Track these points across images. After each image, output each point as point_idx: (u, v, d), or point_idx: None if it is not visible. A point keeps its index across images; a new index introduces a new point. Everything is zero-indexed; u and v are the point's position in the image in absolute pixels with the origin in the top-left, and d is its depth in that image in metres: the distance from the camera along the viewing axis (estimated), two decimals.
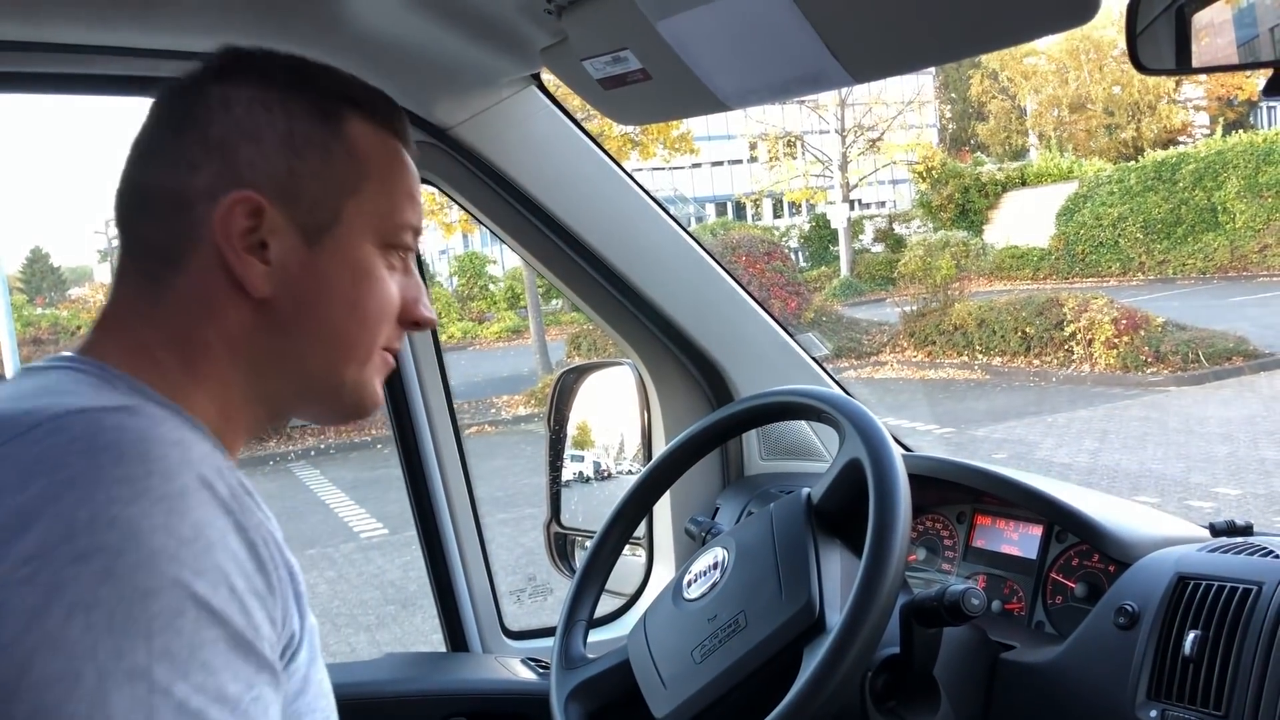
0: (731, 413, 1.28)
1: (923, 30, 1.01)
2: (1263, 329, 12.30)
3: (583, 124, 1.60)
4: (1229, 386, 10.79)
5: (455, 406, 1.70)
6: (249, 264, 0.79)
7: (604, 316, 1.70)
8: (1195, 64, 0.84)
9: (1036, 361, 13.08)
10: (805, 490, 1.16)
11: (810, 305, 15.64)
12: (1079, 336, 12.58)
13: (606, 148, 1.64)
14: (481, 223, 1.61)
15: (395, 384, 1.64)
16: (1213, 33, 0.83)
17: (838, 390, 1.39)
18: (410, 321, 0.89)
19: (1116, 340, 12.10)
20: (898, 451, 1.06)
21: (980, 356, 13.79)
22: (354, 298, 0.83)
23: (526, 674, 1.58)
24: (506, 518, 8.13)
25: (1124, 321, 12.18)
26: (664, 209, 1.64)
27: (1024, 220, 23.17)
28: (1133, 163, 22.74)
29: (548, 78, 1.53)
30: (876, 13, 1.02)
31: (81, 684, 0.58)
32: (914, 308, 15.12)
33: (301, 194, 0.81)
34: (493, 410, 13.58)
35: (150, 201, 0.82)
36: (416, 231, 0.88)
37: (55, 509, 0.62)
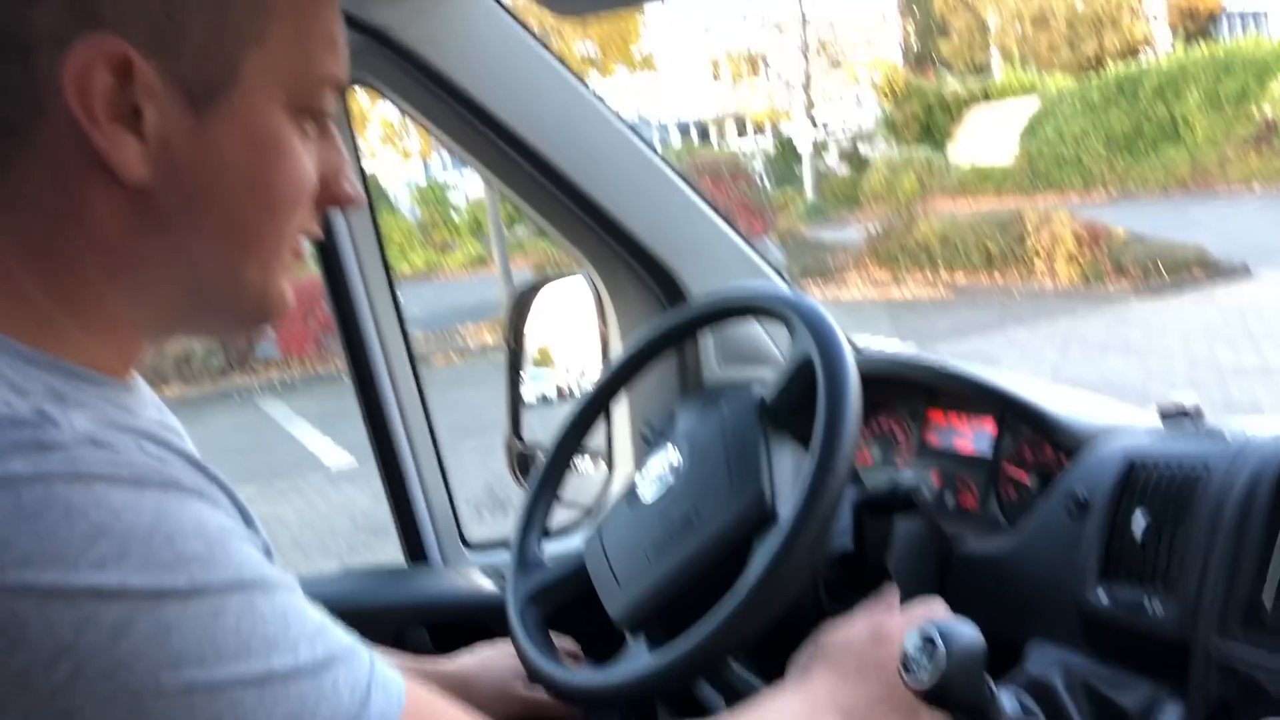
0: (682, 316, 1.26)
1: None
2: (1221, 240, 12.41)
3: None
4: (1188, 298, 10.91)
5: (421, 337, 1.68)
6: (117, 139, 0.61)
7: (554, 224, 1.67)
8: None
9: (999, 277, 13.16)
10: (757, 388, 1.15)
11: (775, 227, 15.59)
12: (1041, 252, 12.65)
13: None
14: (426, 129, 1.56)
15: (345, 305, 1.61)
16: None
17: (795, 291, 1.38)
18: (329, 199, 0.72)
19: (1078, 254, 12.18)
20: (847, 344, 1.04)
21: (944, 275, 13.84)
22: (257, 178, 0.66)
23: (486, 584, 1.58)
24: (475, 445, 8.10)
25: (1085, 236, 12.25)
26: (613, 111, 1.60)
27: (987, 137, 23.13)
28: (1095, 78, 22.69)
29: None
30: None
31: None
32: (878, 227, 15.12)
33: (185, 42, 0.62)
34: (459, 340, 13.51)
35: None
36: (339, 87, 0.70)
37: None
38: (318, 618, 0.61)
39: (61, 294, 0.64)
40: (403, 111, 1.56)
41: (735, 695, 1.42)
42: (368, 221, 1.62)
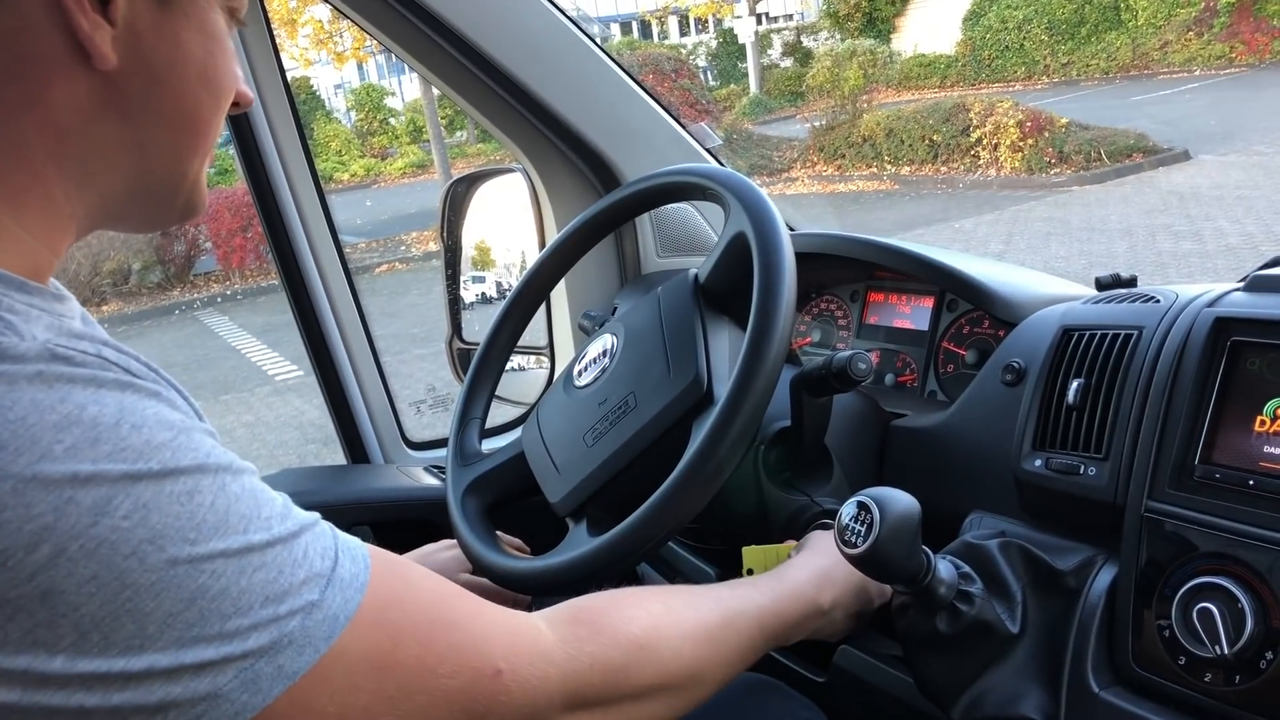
0: (616, 198, 1.23)
1: None
2: (1162, 125, 12.49)
3: None
4: (1129, 183, 11.01)
5: (364, 246, 1.64)
6: (94, 23, 0.63)
7: (490, 117, 1.62)
8: None
9: (944, 169, 13.17)
10: (692, 270, 1.13)
11: (720, 124, 15.41)
12: (985, 142, 12.66)
13: None
14: (361, 26, 1.50)
15: (273, 215, 1.57)
16: None
17: (728, 169, 1.35)
18: (233, 102, 0.74)
19: (1021, 143, 12.20)
20: (781, 220, 1.02)
21: (889, 167, 13.83)
22: (209, 70, 0.69)
23: (429, 480, 1.57)
24: (424, 353, 8.07)
25: (1028, 124, 12.26)
26: (550, 1, 1.54)
27: (931, 27, 22.93)
28: None
29: None
30: None
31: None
32: (823, 122, 15.01)
33: None
34: (403, 248, 13.32)
35: None
36: None
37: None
38: (281, 496, 0.65)
39: (8, 187, 0.64)
40: (337, 9, 1.49)
41: (677, 574, 1.44)
42: (292, 129, 1.57)
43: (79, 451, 0.55)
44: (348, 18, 1.52)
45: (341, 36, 15.94)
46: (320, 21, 15.57)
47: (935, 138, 13.34)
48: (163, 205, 0.73)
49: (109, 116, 0.66)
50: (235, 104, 0.74)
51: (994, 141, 12.51)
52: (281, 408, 7.50)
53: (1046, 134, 12.15)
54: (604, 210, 1.24)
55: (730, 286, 1.08)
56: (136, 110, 0.67)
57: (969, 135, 12.90)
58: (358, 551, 0.67)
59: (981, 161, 12.70)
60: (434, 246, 13.21)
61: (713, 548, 1.32)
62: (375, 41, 1.60)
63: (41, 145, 0.65)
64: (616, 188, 1.67)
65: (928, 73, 22.01)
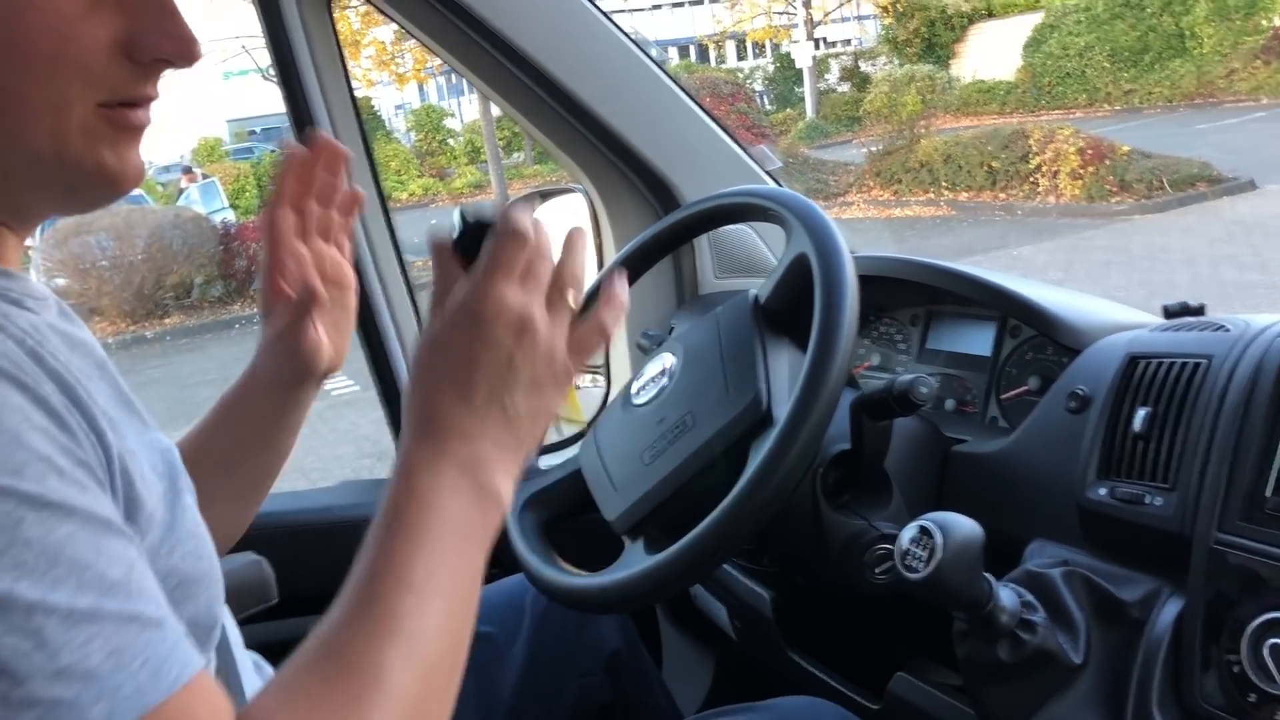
0: (676, 219, 1.24)
1: None
2: (1227, 154, 12.26)
3: None
4: (1192, 212, 10.81)
5: (420, 264, 1.66)
6: None
7: (551, 137, 1.64)
8: None
9: (1002, 195, 13.03)
10: (752, 291, 1.13)
11: (776, 148, 15.41)
12: (1044, 169, 12.51)
13: None
14: (426, 45, 1.53)
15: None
16: None
17: (791, 190, 1.36)
18: (151, 59, 0.65)
19: (1082, 171, 12.04)
20: (844, 242, 1.02)
21: (946, 193, 13.72)
22: (5, 38, 0.60)
23: None
24: None
25: (1089, 152, 12.10)
26: (613, 22, 1.56)
27: (991, 53, 22.76)
28: None
29: None
30: None
31: None
32: (880, 146, 14.95)
33: None
34: None
35: None
36: None
37: None
38: (122, 569, 0.56)
39: None
40: (401, 27, 1.52)
41: (731, 597, 1.43)
42: (360, 147, 1.60)
43: None
44: (414, 37, 1.55)
45: (403, 58, 16.19)
46: (383, 43, 15.84)
47: (994, 164, 13.21)
48: (50, 188, 0.66)
49: None
50: (156, 56, 0.66)
51: (1054, 169, 12.37)
52: (337, 422, 7.59)
53: (1108, 162, 11.98)
54: (664, 230, 1.25)
55: (791, 308, 1.08)
56: None
57: (1028, 162, 12.76)
58: (171, 669, 0.55)
59: (1041, 189, 12.55)
60: None
61: (767, 569, 1.32)
62: (437, 63, 1.63)
63: None
64: (676, 208, 1.68)
65: (987, 99, 21.83)
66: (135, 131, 0.67)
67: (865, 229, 12.84)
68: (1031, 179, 12.73)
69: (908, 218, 13.34)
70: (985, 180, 13.31)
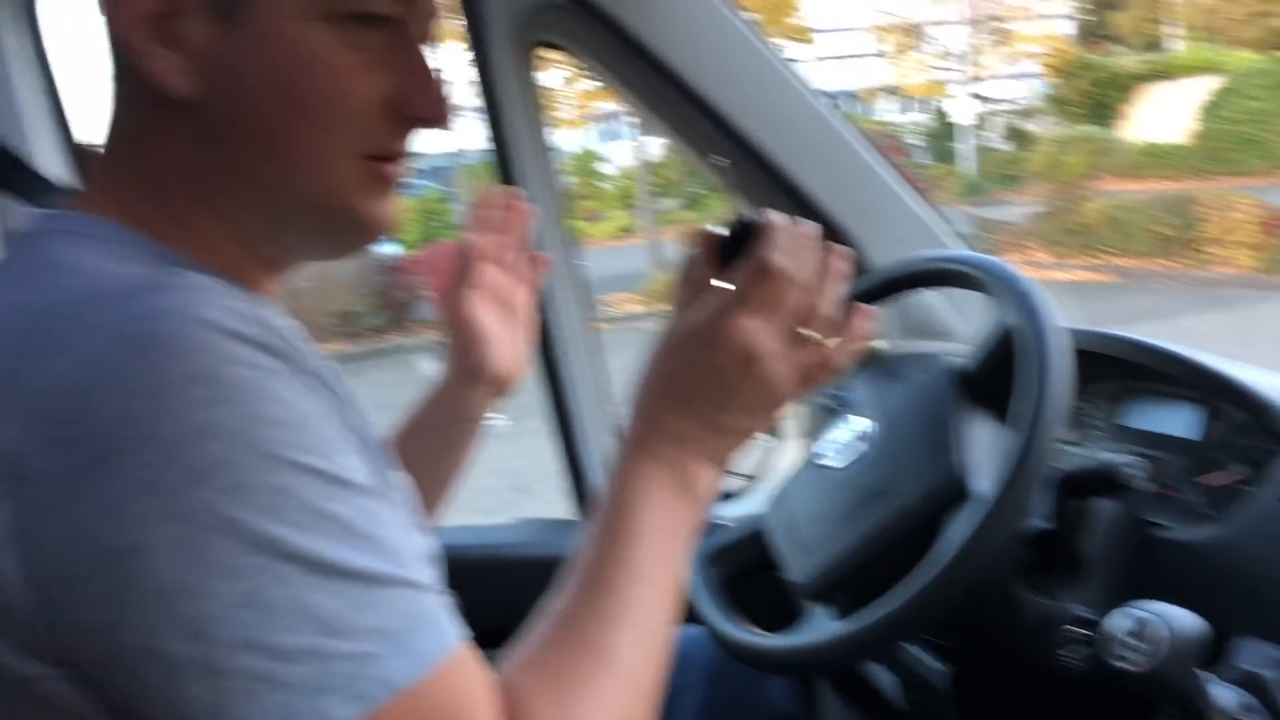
0: (874, 281, 1.24)
1: None
2: None
3: None
4: None
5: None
6: (158, 57, 0.66)
7: (740, 192, 1.66)
8: None
9: (1171, 263, 12.53)
10: (954, 359, 1.12)
11: (932, 203, 15.18)
12: (1218, 237, 11.99)
13: None
14: (609, 86, 1.57)
15: None
16: None
17: (999, 259, 1.34)
18: (409, 116, 0.71)
19: (1258, 240, 11.49)
20: (1058, 315, 1.00)
21: (1111, 258, 13.26)
22: (286, 87, 0.67)
23: None
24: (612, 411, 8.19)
25: (1267, 221, 11.55)
26: (797, 74, 1.58)
27: (1162, 116, 21.98)
28: None
29: None
30: None
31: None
32: (1041, 207, 14.57)
33: None
34: (604, 308, 13.65)
35: None
36: None
37: (138, 431, 0.55)
38: (408, 541, 0.63)
39: (174, 215, 0.69)
40: (592, 73, 1.57)
41: (903, 667, 1.40)
42: (550, 185, 1.65)
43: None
44: (608, 85, 1.59)
45: (563, 106, 16.63)
46: (548, 89, 16.31)
47: (1163, 230, 12.73)
48: (312, 229, 0.73)
49: (209, 145, 0.68)
50: (414, 116, 0.71)
51: (1228, 237, 11.84)
52: (484, 454, 7.75)
53: None
54: (861, 292, 1.24)
55: (994, 379, 1.06)
56: (227, 136, 0.68)
57: (1200, 229, 12.26)
58: (448, 632, 0.62)
59: (1213, 258, 12.02)
60: (636, 308, 13.48)
61: (950, 644, 1.29)
62: (597, 110, 1.68)
63: (176, 179, 0.69)
64: (856, 263, 1.67)
65: (1157, 163, 21.03)
66: (389, 184, 0.73)
67: None
68: (1203, 247, 12.21)
69: (1069, 282, 12.93)
70: (1153, 246, 12.82)
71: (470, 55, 1.52)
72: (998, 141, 24.80)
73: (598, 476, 1.69)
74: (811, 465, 1.17)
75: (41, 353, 0.58)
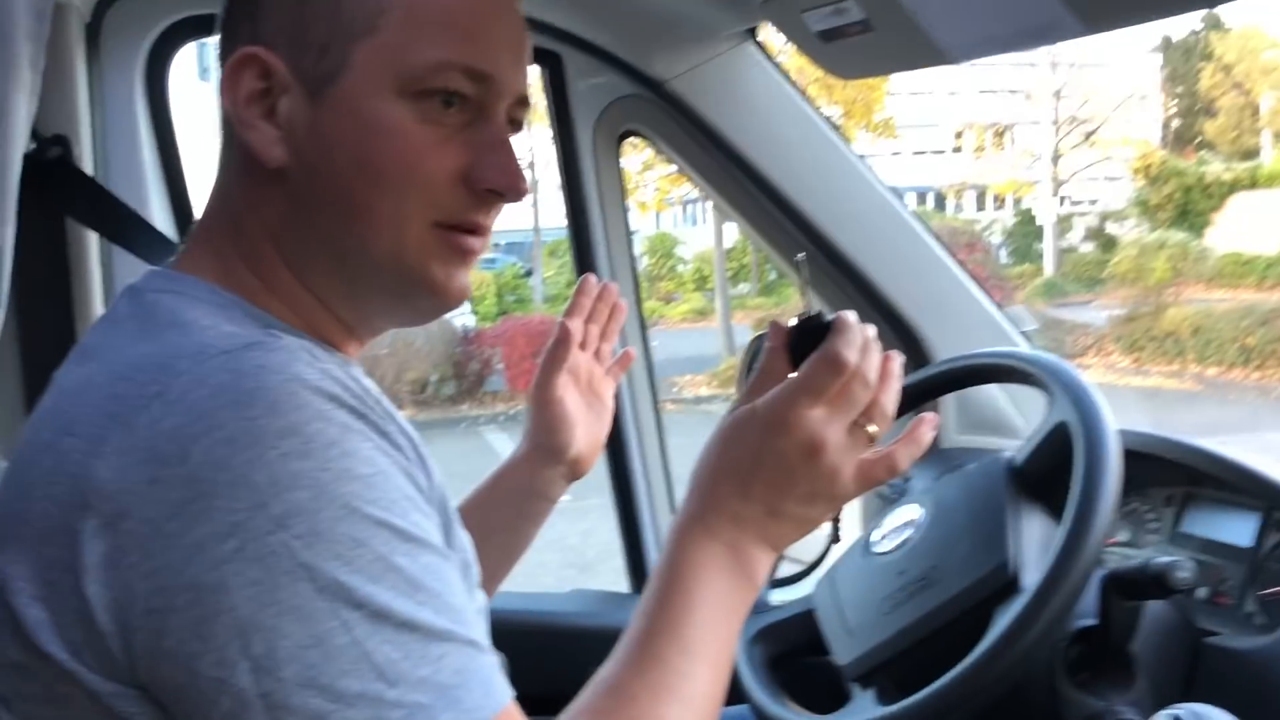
0: (932, 373, 1.27)
1: None
2: None
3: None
4: None
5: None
6: (258, 129, 0.73)
7: (806, 277, 1.70)
8: None
9: (1257, 375, 12.24)
10: (1007, 453, 1.14)
11: (1011, 302, 15.09)
12: None
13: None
14: (689, 176, 1.63)
15: None
16: None
17: (1054, 357, 1.36)
18: (485, 189, 0.75)
19: None
20: (1110, 414, 1.02)
21: (1193, 366, 13.00)
22: (363, 157, 0.72)
23: None
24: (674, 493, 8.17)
25: None
26: (870, 169, 1.63)
27: (1251, 225, 21.62)
28: None
29: (762, 36, 1.54)
30: None
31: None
32: (1123, 311, 14.39)
33: (309, 42, 0.72)
34: (675, 389, 13.69)
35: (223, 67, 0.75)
36: (471, 73, 0.73)
37: (230, 476, 0.60)
38: (465, 600, 0.67)
39: (264, 278, 0.75)
40: (671, 161, 1.64)
41: None
42: (628, 271, 1.70)
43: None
44: (688, 177, 1.66)
45: (647, 187, 16.93)
46: (629, 172, 16.65)
47: (1249, 341, 12.46)
48: (387, 294, 0.77)
49: (297, 212, 0.74)
50: (489, 188, 0.75)
51: None
52: (545, 529, 7.77)
53: None
54: (917, 383, 1.27)
55: (1047, 474, 1.08)
56: (309, 202, 0.74)
57: None
58: (497, 692, 0.64)
59: None
60: (705, 391, 13.50)
61: None
62: (676, 194, 1.74)
63: (267, 243, 0.75)
64: (923, 358, 1.70)
65: (1245, 271, 20.65)
66: (465, 255, 0.77)
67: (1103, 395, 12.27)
68: None
69: (1149, 388, 12.68)
70: (1238, 357, 12.55)
71: (555, 139, 1.60)
72: (1081, 243, 24.59)
73: (657, 556, 1.72)
74: (862, 550, 1.19)
75: (147, 401, 0.62)
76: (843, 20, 1.26)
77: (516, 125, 0.79)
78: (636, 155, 14.57)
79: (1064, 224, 24.27)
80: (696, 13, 1.45)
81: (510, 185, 0.76)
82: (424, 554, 0.64)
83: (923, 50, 1.22)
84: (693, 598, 0.73)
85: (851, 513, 1.78)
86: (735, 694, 1.17)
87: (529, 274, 19.87)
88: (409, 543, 0.63)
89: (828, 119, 1.62)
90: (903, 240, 1.64)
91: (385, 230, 0.73)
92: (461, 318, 15.16)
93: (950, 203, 29.61)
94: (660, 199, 17.72)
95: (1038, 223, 23.76)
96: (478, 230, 0.77)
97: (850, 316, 0.78)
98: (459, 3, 0.74)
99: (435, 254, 0.75)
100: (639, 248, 25.92)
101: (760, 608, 1.25)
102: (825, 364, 0.75)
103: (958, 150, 27.35)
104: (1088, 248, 24.07)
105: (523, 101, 0.79)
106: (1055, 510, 1.06)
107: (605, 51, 1.54)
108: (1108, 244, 22.29)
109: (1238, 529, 1.28)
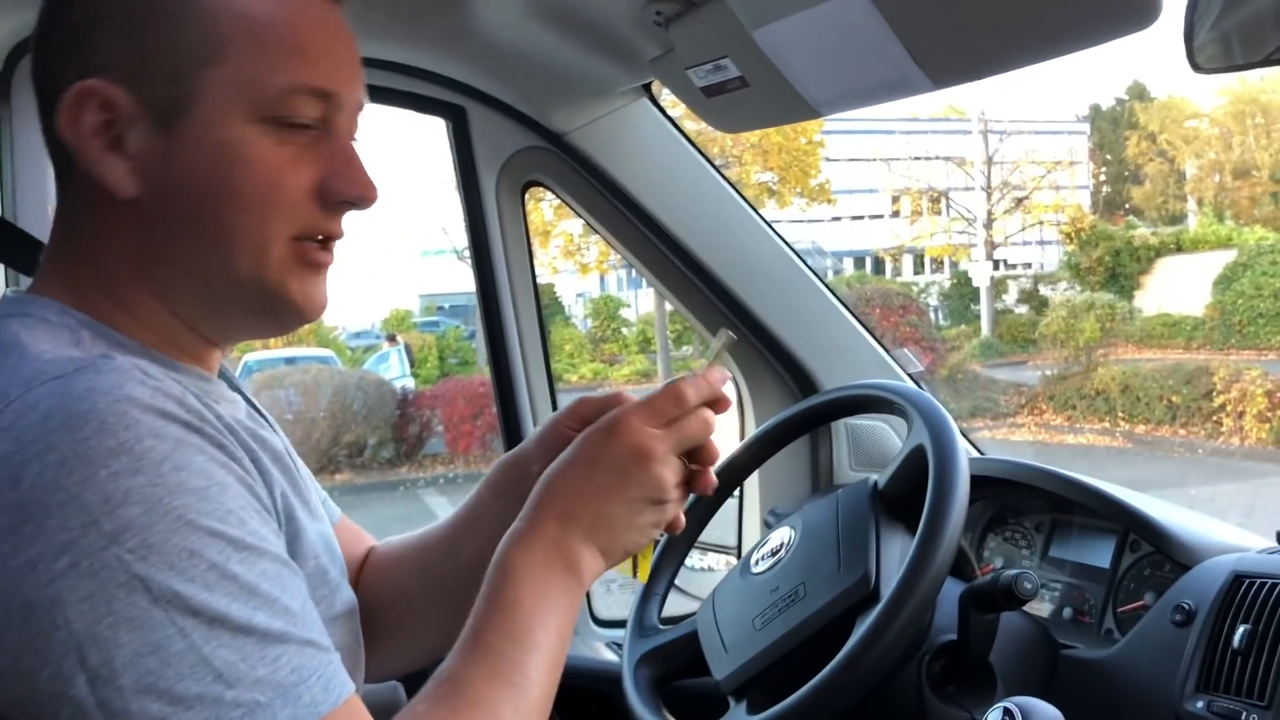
0: (807, 405, 1.33)
1: (996, 35, 1.06)
2: None
3: (707, 154, 1.70)
4: None
5: None
6: (106, 162, 0.74)
7: (703, 323, 1.78)
8: (1248, 60, 0.88)
9: (1182, 432, 12.56)
10: (872, 477, 1.21)
11: (945, 362, 15.35)
12: (1229, 408, 12.04)
13: (744, 193, 1.73)
14: (590, 225, 1.71)
15: (509, 404, 1.74)
16: (1264, 27, 0.86)
17: (916, 387, 1.44)
18: (338, 199, 0.78)
19: (1270, 414, 11.54)
20: (959, 436, 1.10)
21: (1123, 424, 13.31)
22: (220, 183, 0.74)
23: (609, 655, 1.65)
24: None
25: (1279, 395, 11.62)
26: (763, 219, 1.71)
27: (1178, 287, 22.28)
28: None
29: (658, 91, 1.63)
30: (954, 19, 1.07)
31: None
32: (1055, 371, 14.72)
33: (152, 73, 0.73)
34: None
35: (41, 100, 0.77)
36: (319, 93, 0.77)
37: (62, 497, 0.62)
38: (306, 604, 0.70)
39: (118, 299, 0.77)
40: (573, 210, 1.71)
41: None
42: (535, 329, 1.76)
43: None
44: (594, 229, 1.73)
45: (589, 249, 17.09)
46: (571, 235, 16.79)
47: (1175, 399, 12.80)
48: (250, 311, 0.80)
49: (155, 238, 0.76)
50: (342, 199, 0.78)
51: (1239, 409, 11.89)
52: None
53: None
54: (797, 414, 1.34)
55: (907, 495, 1.15)
56: (169, 228, 0.76)
57: (1212, 400, 12.32)
58: (337, 687, 0.68)
59: (1224, 428, 12.05)
60: None
61: None
62: (618, 257, 1.80)
63: (123, 265, 0.77)
64: (813, 394, 1.77)
65: (1172, 332, 21.24)
66: (319, 268, 0.80)
67: (1035, 453, 12.50)
68: (1215, 418, 12.25)
69: (1081, 445, 12.95)
70: (1165, 415, 12.88)
71: (460, 189, 1.66)
72: (1016, 305, 25.15)
73: None
74: (741, 571, 1.24)
75: None
76: (723, 77, 1.35)
77: (352, 134, 0.83)
78: (579, 220, 14.70)
79: (999, 287, 24.82)
80: (593, 70, 1.53)
81: (361, 194, 0.79)
82: (260, 560, 0.67)
83: (795, 104, 1.31)
84: (519, 591, 0.78)
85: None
86: (624, 716, 1.22)
87: (473, 336, 19.85)
88: (244, 550, 0.66)
89: (720, 170, 1.70)
90: (795, 285, 1.73)
91: (248, 251, 0.76)
92: (402, 380, 15.09)
93: (889, 266, 30.16)
94: (601, 261, 17.89)
95: (974, 285, 24.27)
96: (330, 240, 0.81)
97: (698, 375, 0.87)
98: (300, 27, 0.76)
99: (293, 270, 0.78)
100: (583, 310, 26.05)
101: (649, 630, 1.30)
102: (669, 393, 0.84)
103: (895, 215, 27.93)
104: (1023, 309, 24.61)
105: (359, 108, 0.82)
106: (914, 527, 1.13)
107: (508, 106, 1.62)
108: (1041, 305, 22.81)
109: (1098, 551, 1.36)
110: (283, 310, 0.80)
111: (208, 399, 0.73)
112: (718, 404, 0.87)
